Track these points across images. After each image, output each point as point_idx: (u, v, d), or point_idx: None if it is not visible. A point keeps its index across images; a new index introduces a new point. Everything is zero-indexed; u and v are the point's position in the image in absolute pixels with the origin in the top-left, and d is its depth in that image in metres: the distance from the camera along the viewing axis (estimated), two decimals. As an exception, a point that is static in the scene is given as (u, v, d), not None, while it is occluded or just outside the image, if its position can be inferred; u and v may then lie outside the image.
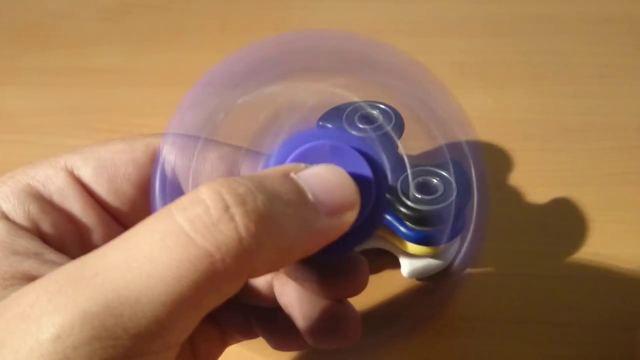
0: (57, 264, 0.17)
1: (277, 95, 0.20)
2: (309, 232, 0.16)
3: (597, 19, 0.43)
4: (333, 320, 0.20)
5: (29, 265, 0.17)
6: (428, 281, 0.28)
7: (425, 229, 0.25)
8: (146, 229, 0.14)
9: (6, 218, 0.18)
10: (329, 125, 0.27)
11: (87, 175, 0.20)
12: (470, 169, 0.23)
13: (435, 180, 0.25)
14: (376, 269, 0.29)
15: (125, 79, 0.41)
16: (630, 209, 0.31)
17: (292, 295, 0.20)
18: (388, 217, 0.26)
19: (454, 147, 0.23)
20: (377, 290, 0.28)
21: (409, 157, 0.26)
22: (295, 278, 0.20)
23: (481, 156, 0.23)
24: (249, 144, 0.21)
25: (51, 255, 0.18)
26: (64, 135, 0.37)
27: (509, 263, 0.29)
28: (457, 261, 0.27)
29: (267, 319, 0.22)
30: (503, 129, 0.35)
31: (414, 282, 0.29)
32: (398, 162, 0.25)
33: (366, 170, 0.18)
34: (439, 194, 0.25)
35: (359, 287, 0.20)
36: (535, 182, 0.32)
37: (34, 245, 0.18)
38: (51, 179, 0.20)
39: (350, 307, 0.21)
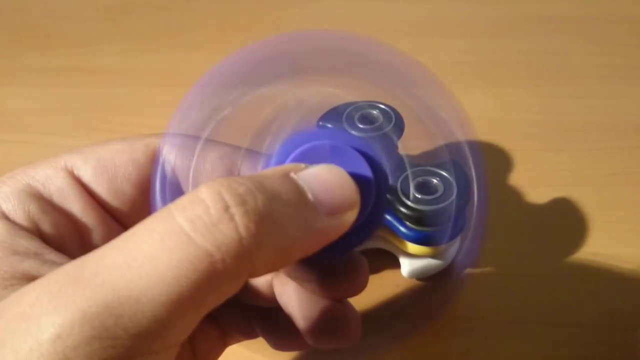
0: (57, 264, 0.17)
1: (277, 95, 0.20)
2: (309, 232, 0.16)
3: (597, 19, 0.43)
4: (333, 320, 0.20)
5: (29, 265, 0.17)
6: (428, 281, 0.28)
7: (425, 229, 0.25)
8: (146, 229, 0.14)
9: (6, 218, 0.18)
10: (329, 125, 0.27)
11: (87, 175, 0.20)
12: (470, 169, 0.23)
13: (435, 180, 0.25)
14: (376, 269, 0.29)
15: (125, 79, 0.41)
16: (630, 209, 0.31)
17: (292, 295, 0.20)
18: (388, 217, 0.26)
19: (454, 147, 0.23)
20: (377, 290, 0.28)
21: (409, 157, 0.26)
22: (295, 278, 0.20)
23: (481, 156, 0.23)
24: (249, 144, 0.21)
25: (51, 255, 0.18)
26: (64, 135, 0.37)
27: (509, 263, 0.29)
28: (457, 261, 0.28)
29: (267, 319, 0.22)
30: (503, 129, 0.35)
31: (414, 282, 0.29)
32: (398, 162, 0.25)
33: (366, 170, 0.18)
34: (439, 194, 0.25)
35: (359, 287, 0.20)
36: (535, 182, 0.32)
37: (34, 245, 0.18)
38: (51, 179, 0.20)
39: (350, 307, 0.21)
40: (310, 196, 0.16)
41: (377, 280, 0.28)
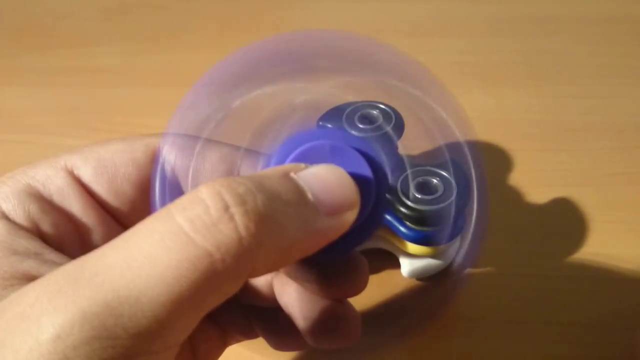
0: (57, 264, 0.17)
1: (277, 95, 0.20)
2: (309, 231, 0.16)
3: (597, 19, 0.43)
4: (333, 320, 0.20)
5: (29, 265, 0.17)
6: (428, 281, 0.28)
7: (425, 229, 0.25)
8: (146, 229, 0.14)
9: (6, 218, 0.18)
10: (329, 125, 0.27)
11: (87, 175, 0.20)
12: (470, 169, 0.23)
13: (435, 180, 0.25)
14: (376, 269, 0.29)
15: (125, 79, 0.41)
16: (630, 209, 0.31)
17: (292, 295, 0.20)
18: (388, 217, 0.26)
19: (454, 147, 0.23)
20: (377, 290, 0.28)
21: (409, 157, 0.26)
22: (295, 278, 0.20)
23: (481, 156, 0.23)
24: (249, 144, 0.21)
25: (51, 255, 0.18)
26: (64, 135, 0.37)
27: (509, 263, 0.29)
28: (457, 261, 0.28)
29: (267, 319, 0.22)
30: (503, 129, 0.35)
31: (414, 282, 0.29)
32: (398, 162, 0.25)
33: (366, 170, 0.18)
34: (439, 194, 0.25)
35: (359, 287, 0.20)
36: (535, 182, 0.32)
37: (34, 245, 0.18)
38: (51, 179, 0.20)
39: (350, 307, 0.21)
40: (310, 196, 0.16)
41: (377, 280, 0.28)
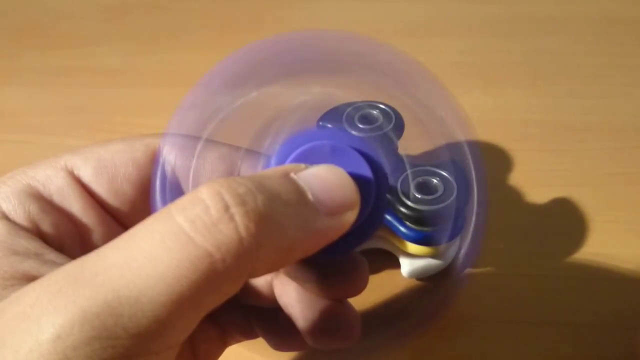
0: (57, 264, 0.17)
1: (277, 95, 0.20)
2: (309, 232, 0.16)
3: (596, 19, 0.43)
4: (333, 320, 0.20)
5: (29, 266, 0.17)
6: (428, 281, 0.28)
7: (425, 229, 0.25)
8: (146, 229, 0.14)
9: (6, 218, 0.18)
10: (329, 125, 0.27)
11: (87, 175, 0.20)
12: (470, 169, 0.23)
13: (435, 180, 0.25)
14: (376, 269, 0.29)
15: (125, 79, 0.41)
16: (630, 209, 0.31)
17: (292, 295, 0.20)
18: (388, 217, 0.26)
19: (454, 147, 0.23)
20: (377, 290, 0.28)
21: (409, 157, 0.26)
22: (295, 278, 0.20)
23: (481, 156, 0.23)
24: (249, 144, 0.21)
25: (51, 255, 0.18)
26: (64, 135, 0.37)
27: (509, 263, 0.29)
28: (457, 261, 0.28)
29: (267, 319, 0.22)
30: (503, 129, 0.35)
31: (414, 282, 0.29)
32: (398, 162, 0.25)
33: (366, 171, 0.18)
34: (439, 194, 0.25)
35: (359, 288, 0.20)
36: (535, 182, 0.32)
37: (34, 245, 0.18)
38: (51, 179, 0.20)
39: (350, 308, 0.21)
40: (310, 196, 0.16)
41: (377, 280, 0.28)
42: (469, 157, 0.22)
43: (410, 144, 0.27)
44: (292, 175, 0.16)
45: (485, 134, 0.35)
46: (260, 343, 0.23)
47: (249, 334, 0.23)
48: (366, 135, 0.26)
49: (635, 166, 0.33)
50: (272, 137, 0.19)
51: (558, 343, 0.26)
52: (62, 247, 0.19)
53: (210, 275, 0.14)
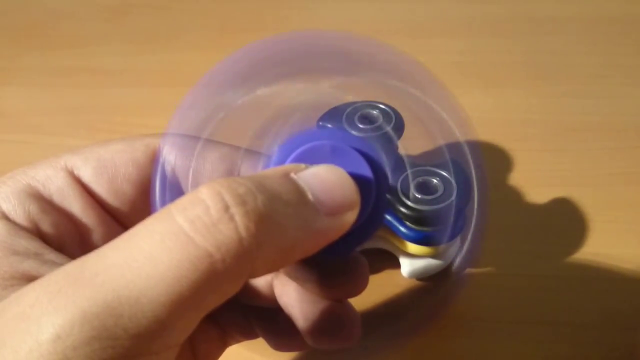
0: (57, 264, 0.17)
1: (277, 95, 0.20)
2: (309, 232, 0.16)
3: (596, 19, 0.43)
4: (333, 320, 0.20)
5: (29, 266, 0.17)
6: (428, 281, 0.28)
7: (425, 229, 0.25)
8: (146, 229, 0.14)
9: (6, 218, 0.18)
10: (329, 125, 0.27)
11: (87, 175, 0.20)
12: (470, 169, 0.23)
13: (435, 180, 0.25)
14: (376, 269, 0.29)
15: (125, 79, 0.41)
16: (630, 209, 0.31)
17: (292, 295, 0.20)
18: (388, 217, 0.26)
19: (454, 147, 0.23)
20: (377, 290, 0.28)
21: (409, 157, 0.26)
22: (295, 278, 0.20)
23: (481, 156, 0.23)
24: (249, 144, 0.21)
25: (51, 255, 0.18)
26: (64, 135, 0.37)
27: (509, 263, 0.29)
28: (457, 261, 0.28)
29: (267, 319, 0.22)
30: (503, 129, 0.35)
31: (414, 282, 0.29)
32: (398, 162, 0.25)
33: (366, 171, 0.18)
34: (439, 194, 0.25)
35: (359, 288, 0.20)
36: (535, 182, 0.32)
37: (34, 245, 0.18)
38: (51, 179, 0.20)
39: (350, 308, 0.21)
40: (310, 196, 0.16)
41: (377, 280, 0.28)
42: (469, 157, 0.22)
43: (410, 144, 0.27)
44: (292, 175, 0.16)
45: (485, 134, 0.35)
46: (260, 343, 0.23)
47: (249, 334, 0.23)
48: (366, 135, 0.26)
49: (635, 166, 0.33)
50: (272, 137, 0.19)
51: (558, 343, 0.26)
52: (62, 247, 0.19)
53: (210, 276, 0.14)
